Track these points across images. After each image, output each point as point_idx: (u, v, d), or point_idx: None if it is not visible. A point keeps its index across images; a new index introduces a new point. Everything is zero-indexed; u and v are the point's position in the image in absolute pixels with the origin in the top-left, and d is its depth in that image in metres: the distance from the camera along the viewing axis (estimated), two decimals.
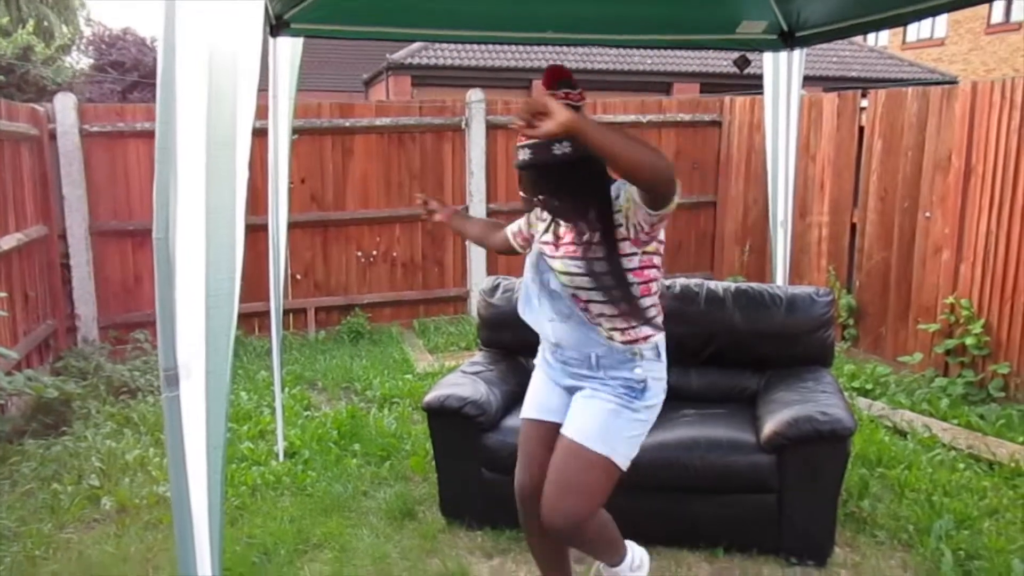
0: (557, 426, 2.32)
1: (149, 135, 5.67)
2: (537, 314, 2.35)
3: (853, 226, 5.83)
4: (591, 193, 2.16)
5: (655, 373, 2.27)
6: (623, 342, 2.22)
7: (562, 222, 2.26)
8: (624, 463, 2.21)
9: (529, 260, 2.38)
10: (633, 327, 2.22)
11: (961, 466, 3.74)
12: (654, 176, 1.89)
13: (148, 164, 5.79)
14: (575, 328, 2.24)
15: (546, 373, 2.44)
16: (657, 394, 2.28)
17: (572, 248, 2.20)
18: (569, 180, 2.15)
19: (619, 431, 2.22)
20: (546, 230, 2.33)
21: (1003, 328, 4.67)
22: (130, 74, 16.37)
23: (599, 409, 2.24)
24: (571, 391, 2.36)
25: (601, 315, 2.21)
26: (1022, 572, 2.82)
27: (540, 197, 2.23)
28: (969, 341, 4.76)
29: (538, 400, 2.44)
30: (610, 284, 2.15)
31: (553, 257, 2.26)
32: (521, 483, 2.40)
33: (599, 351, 2.23)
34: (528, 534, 2.49)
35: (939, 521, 3.14)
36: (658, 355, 2.28)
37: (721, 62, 15.32)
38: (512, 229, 2.67)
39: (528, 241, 2.54)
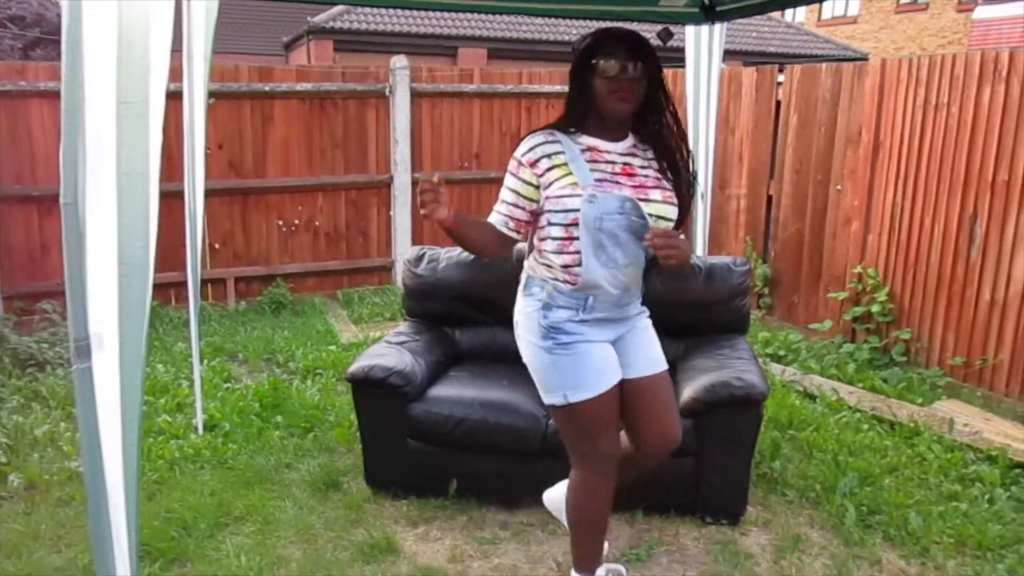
0: (619, 384, 2.32)
1: (54, 95, 5.39)
2: (612, 270, 2.21)
3: (769, 198, 6.01)
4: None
5: None
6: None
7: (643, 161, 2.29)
8: None
9: (595, 215, 2.14)
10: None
11: (865, 427, 3.95)
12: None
13: (53, 126, 5.49)
14: (639, 268, 2.30)
15: (596, 340, 2.29)
16: None
17: (668, 193, 2.26)
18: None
19: None
20: (586, 167, 2.18)
21: (906, 296, 4.92)
22: (31, 30, 15.45)
23: (651, 334, 2.45)
24: (615, 342, 2.35)
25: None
26: (918, 524, 3.01)
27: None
28: (875, 308, 5.00)
29: (605, 369, 2.29)
30: (682, 220, 2.32)
31: (647, 199, 2.19)
32: (608, 448, 2.35)
33: (640, 279, 2.37)
34: (600, 501, 2.43)
35: (844, 479, 3.31)
36: None
37: (645, 34, 15.43)
38: (499, 218, 2.30)
39: (524, 224, 2.30)
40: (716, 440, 3.01)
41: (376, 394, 3.17)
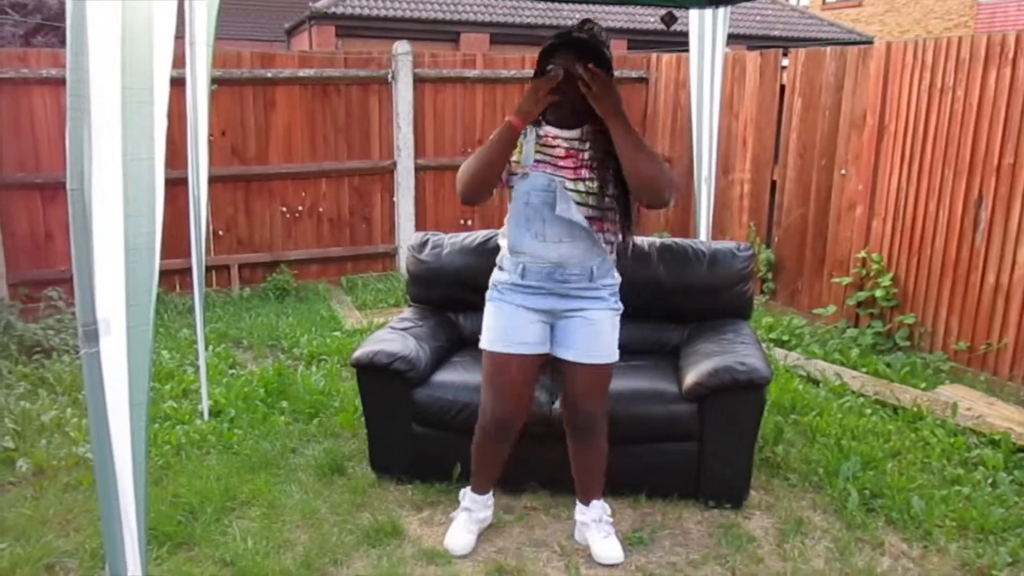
0: (536, 356, 2.62)
1: (56, 82, 5.40)
2: (541, 243, 2.50)
3: (773, 183, 6.00)
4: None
5: (619, 278, 2.68)
6: (610, 253, 2.59)
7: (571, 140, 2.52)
8: None
9: (526, 189, 2.49)
10: (617, 237, 2.57)
11: (868, 411, 3.96)
12: (649, 194, 2.43)
13: (56, 114, 5.49)
14: (582, 244, 2.51)
15: (519, 305, 2.59)
16: None
17: (596, 169, 2.48)
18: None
19: (616, 335, 2.65)
20: (533, 150, 2.49)
21: (910, 281, 4.91)
22: (32, 16, 15.40)
23: (603, 327, 2.60)
24: (552, 316, 2.61)
25: (609, 230, 2.54)
26: (920, 508, 3.02)
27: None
28: (878, 293, 4.99)
29: (511, 334, 2.60)
30: (626, 202, 2.53)
31: (577, 179, 2.48)
32: (500, 413, 2.67)
33: (597, 262, 2.55)
34: (489, 452, 2.78)
35: (847, 463, 3.32)
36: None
37: (648, 18, 15.38)
38: (501, 182, 2.60)
39: (503, 181, 2.55)
40: (719, 424, 3.03)
41: (381, 379, 3.18)
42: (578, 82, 2.37)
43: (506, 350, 2.61)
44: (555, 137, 2.54)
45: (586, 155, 2.52)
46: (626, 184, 2.47)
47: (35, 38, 15.03)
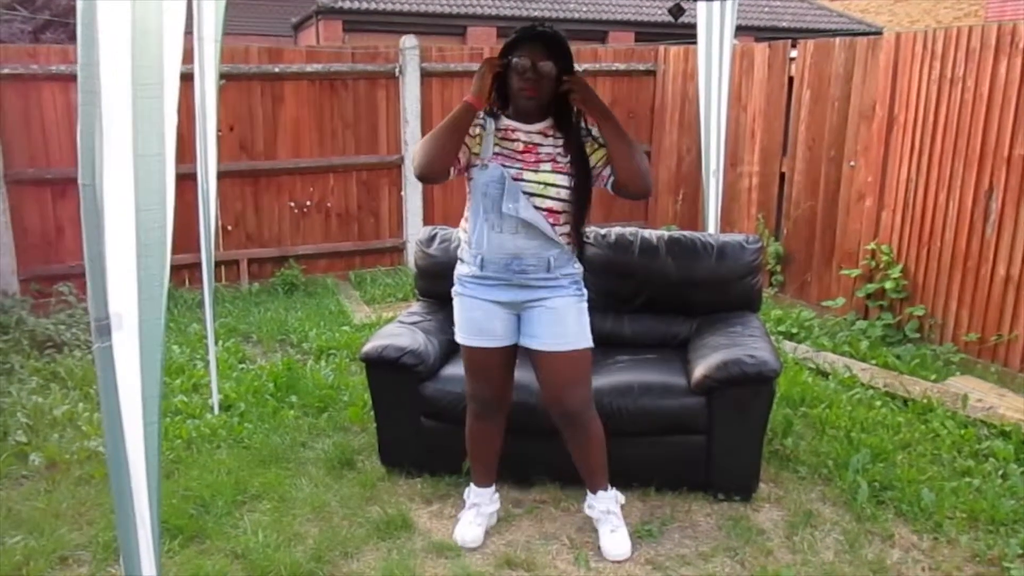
0: (507, 348, 2.69)
1: (65, 78, 5.42)
2: (498, 235, 2.54)
3: (782, 175, 5.97)
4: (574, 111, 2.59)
5: (581, 267, 2.70)
6: (567, 243, 2.60)
7: (533, 134, 2.57)
8: (591, 342, 2.68)
9: (484, 181, 2.53)
10: (572, 231, 2.60)
11: (878, 403, 3.95)
12: (632, 181, 2.54)
13: (65, 109, 5.52)
14: (537, 236, 2.53)
15: (483, 298, 2.64)
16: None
17: (560, 165, 2.54)
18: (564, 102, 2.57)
19: (585, 321, 2.66)
20: (492, 143, 2.55)
21: (920, 272, 4.89)
22: (41, 13, 15.45)
23: (566, 311, 2.62)
24: (515, 307, 2.64)
25: (566, 222, 2.57)
26: (930, 500, 3.01)
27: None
28: (888, 285, 4.97)
29: (480, 327, 2.67)
30: (583, 195, 2.58)
31: (537, 171, 2.52)
32: (483, 395, 2.78)
33: (554, 253, 2.57)
34: (478, 436, 2.86)
35: (856, 456, 3.31)
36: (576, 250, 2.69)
37: (656, 11, 15.33)
38: (456, 168, 2.62)
39: (462, 166, 2.56)
40: (728, 417, 3.02)
41: (390, 373, 3.19)
42: (566, 92, 2.50)
43: (475, 344, 2.69)
44: (515, 131, 2.58)
45: (547, 149, 2.56)
46: (586, 177, 2.57)
47: (44, 34, 15.09)
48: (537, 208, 2.51)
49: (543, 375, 2.70)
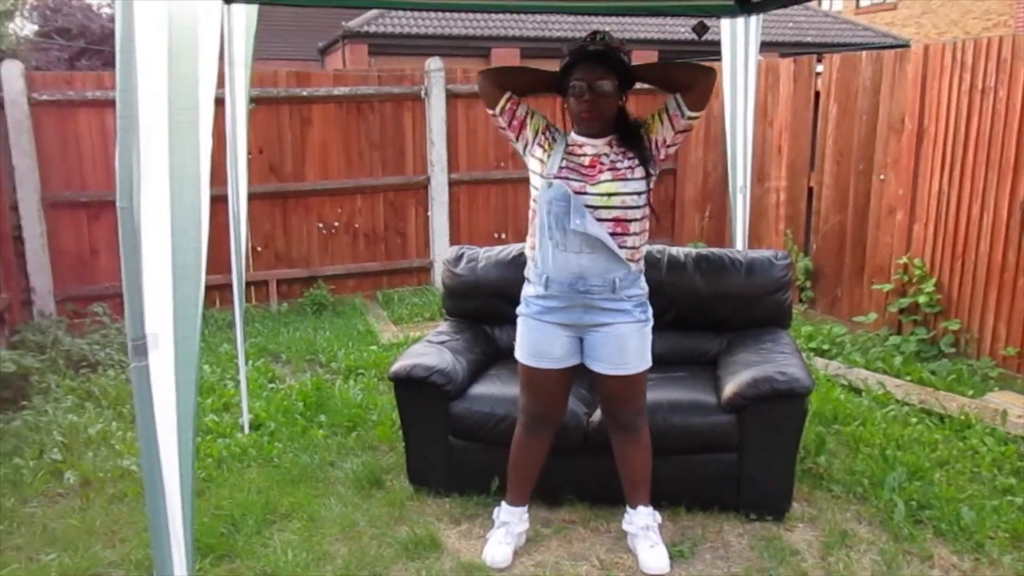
0: (565, 369, 2.70)
1: (100, 104, 5.55)
2: (563, 253, 2.54)
3: (810, 190, 5.93)
4: (632, 120, 2.65)
5: (647, 287, 2.70)
6: (636, 261, 2.61)
7: (598, 147, 2.59)
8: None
9: (548, 199, 2.52)
10: (640, 247, 2.61)
11: (913, 420, 3.88)
12: (693, 76, 2.54)
13: (100, 134, 5.64)
14: (602, 255, 2.53)
15: (547, 320, 2.65)
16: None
17: (620, 172, 2.54)
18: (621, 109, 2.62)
19: (646, 344, 2.69)
20: (562, 163, 2.56)
21: (954, 286, 4.81)
22: (76, 41, 15.83)
23: (629, 340, 2.63)
24: (578, 330, 2.65)
25: (633, 235, 2.57)
26: (970, 518, 2.94)
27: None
28: (921, 299, 4.90)
29: (541, 350, 2.68)
30: (646, 202, 2.59)
31: (598, 183, 2.52)
32: (536, 412, 2.80)
33: (620, 274, 2.57)
34: (523, 449, 2.85)
35: (892, 474, 3.25)
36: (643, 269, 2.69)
37: (679, 29, 15.33)
38: (511, 104, 2.64)
39: (513, 108, 2.62)
40: (759, 435, 2.99)
41: (418, 392, 3.20)
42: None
43: (536, 365, 2.71)
44: (582, 145, 2.60)
45: (612, 158, 2.57)
46: (648, 188, 2.58)
47: (79, 61, 15.45)
48: (602, 220, 2.51)
49: (601, 392, 2.79)
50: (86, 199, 5.67)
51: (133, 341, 1.47)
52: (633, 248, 2.59)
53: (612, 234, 2.52)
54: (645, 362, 2.69)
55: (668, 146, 2.61)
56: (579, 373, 2.76)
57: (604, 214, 2.52)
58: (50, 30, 16.12)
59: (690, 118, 2.57)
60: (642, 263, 2.66)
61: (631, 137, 2.61)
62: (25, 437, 3.77)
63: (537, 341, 2.68)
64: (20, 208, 5.46)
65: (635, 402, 2.76)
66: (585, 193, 2.51)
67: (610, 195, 2.52)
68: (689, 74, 2.56)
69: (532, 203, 2.63)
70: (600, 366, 2.67)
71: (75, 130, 5.62)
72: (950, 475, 3.33)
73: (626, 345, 2.64)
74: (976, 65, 4.57)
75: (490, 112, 2.66)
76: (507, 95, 2.61)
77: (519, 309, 2.74)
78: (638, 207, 2.57)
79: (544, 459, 2.87)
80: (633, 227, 2.57)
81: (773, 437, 2.99)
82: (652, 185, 2.61)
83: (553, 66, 2.68)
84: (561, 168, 2.55)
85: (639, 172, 2.57)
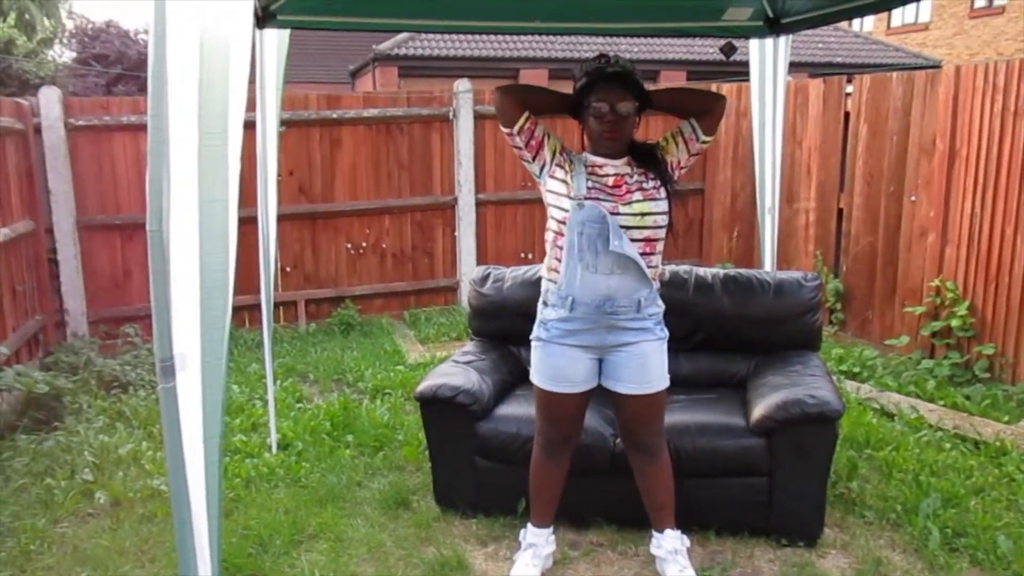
0: (585, 392, 2.69)
1: (135, 128, 5.66)
2: (592, 275, 2.52)
3: (840, 211, 5.87)
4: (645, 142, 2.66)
5: (663, 304, 2.68)
6: (656, 280, 2.61)
7: (621, 167, 2.59)
8: None
9: (580, 220, 2.50)
10: (659, 265, 2.63)
11: (947, 446, 3.80)
12: (709, 103, 2.61)
13: (135, 158, 5.76)
14: (631, 276, 2.53)
15: (567, 344, 2.63)
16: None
17: (648, 192, 2.55)
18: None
19: (665, 361, 2.67)
20: (585, 179, 2.55)
21: (988, 309, 4.73)
22: (114, 67, 16.22)
23: (651, 359, 2.63)
24: (600, 351, 2.64)
25: (658, 254, 2.60)
26: (1008, 547, 2.87)
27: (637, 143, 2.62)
28: (955, 323, 4.81)
29: (563, 374, 2.66)
30: (670, 221, 2.59)
31: (630, 203, 2.52)
32: (552, 435, 2.78)
33: (645, 293, 2.57)
34: (543, 472, 2.84)
35: (926, 500, 3.19)
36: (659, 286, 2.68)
37: (707, 49, 15.34)
38: (530, 124, 2.61)
39: (530, 128, 2.60)
40: (790, 459, 2.94)
41: (444, 413, 3.20)
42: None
43: (557, 390, 2.68)
44: (603, 166, 2.59)
45: (636, 178, 2.58)
46: (671, 195, 2.59)
47: (116, 87, 15.83)
48: (634, 240, 2.51)
49: (621, 413, 2.75)
50: (120, 222, 5.78)
51: (161, 362, 1.49)
52: (656, 267, 2.62)
53: (641, 254, 2.53)
54: (665, 380, 2.68)
55: (681, 167, 2.65)
56: (600, 395, 2.74)
57: (636, 234, 2.52)
58: (88, 56, 16.55)
59: (704, 142, 2.62)
60: (658, 281, 2.66)
61: (650, 158, 2.62)
62: (57, 457, 3.82)
63: (558, 366, 2.65)
64: (55, 231, 5.58)
65: (655, 422, 2.74)
66: (619, 213, 2.50)
67: (643, 215, 2.52)
68: (705, 101, 2.62)
69: (552, 225, 2.61)
70: (623, 386, 2.65)
71: (110, 154, 5.75)
72: (986, 503, 3.25)
73: (648, 363, 2.63)
74: (1009, 86, 4.52)
75: (506, 131, 2.62)
76: (526, 114, 2.59)
77: (535, 334, 2.70)
78: (664, 227, 2.58)
79: (565, 479, 2.85)
80: (659, 246, 2.59)
81: (804, 461, 2.94)
82: (673, 204, 2.62)
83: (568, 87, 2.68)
84: (589, 188, 2.52)
85: (663, 192, 2.58)
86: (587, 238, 2.50)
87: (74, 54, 17.26)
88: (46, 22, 19.32)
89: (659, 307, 2.65)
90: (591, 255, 2.51)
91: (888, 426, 4.05)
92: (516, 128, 2.59)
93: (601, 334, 2.60)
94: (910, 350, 5.16)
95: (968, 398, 4.42)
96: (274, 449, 3.92)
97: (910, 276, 5.27)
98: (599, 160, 2.60)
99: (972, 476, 3.47)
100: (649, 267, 2.56)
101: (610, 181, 2.57)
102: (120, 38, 17.07)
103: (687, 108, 2.65)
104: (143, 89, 1.48)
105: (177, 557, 1.65)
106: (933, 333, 4.99)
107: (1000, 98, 4.57)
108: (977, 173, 4.75)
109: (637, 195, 2.54)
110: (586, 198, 2.50)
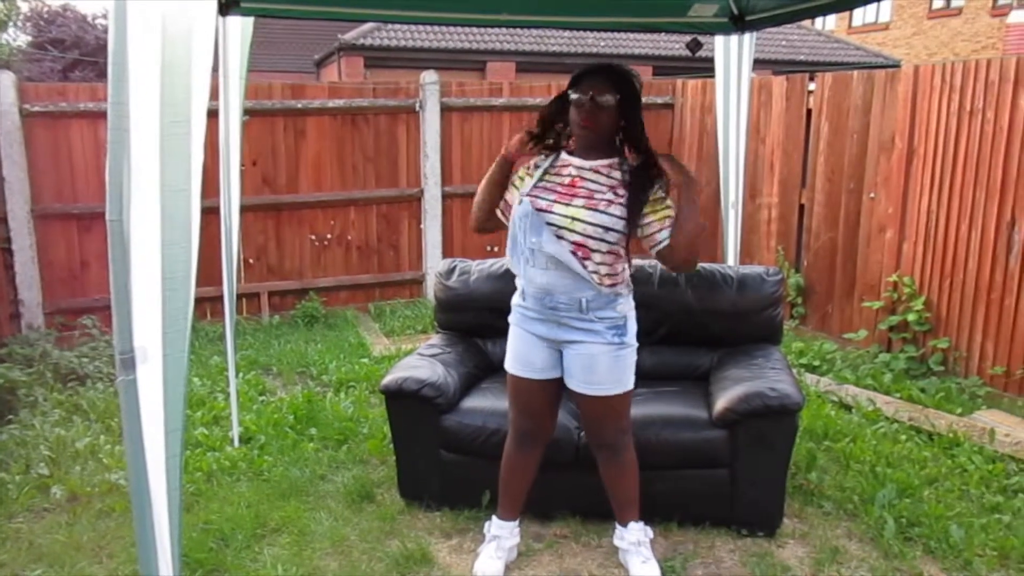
0: (547, 381, 2.69)
1: (93, 115, 5.54)
2: (531, 268, 2.56)
3: (801, 207, 5.96)
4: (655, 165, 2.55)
5: (631, 309, 2.64)
6: (609, 286, 2.53)
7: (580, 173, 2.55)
8: (632, 383, 2.66)
9: (518, 215, 2.55)
10: (610, 275, 2.53)
11: (903, 438, 3.88)
12: (686, 263, 2.60)
13: (92, 146, 5.63)
14: (567, 275, 2.51)
15: (526, 330, 2.67)
16: (633, 328, 2.65)
17: (594, 202, 2.49)
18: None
19: (622, 367, 2.62)
20: (538, 182, 2.57)
21: (943, 304, 4.84)
22: (70, 52, 15.84)
23: (598, 361, 2.59)
24: (556, 344, 2.64)
25: (598, 264, 2.50)
26: (959, 536, 2.95)
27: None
28: (911, 317, 4.92)
29: (523, 358, 2.70)
30: (617, 243, 2.49)
31: (568, 205, 2.49)
32: (522, 426, 2.80)
33: (588, 295, 2.53)
34: (513, 464, 2.85)
35: (882, 491, 3.26)
36: (631, 290, 2.65)
37: (673, 45, 15.45)
38: (503, 207, 2.71)
39: (511, 203, 2.65)
40: (750, 451, 2.99)
41: (409, 406, 3.19)
42: (661, 166, 2.51)
43: (518, 373, 2.72)
44: (567, 165, 2.58)
45: (592, 185, 2.52)
46: (626, 223, 2.48)
47: (73, 73, 15.46)
48: (563, 240, 2.47)
49: (579, 409, 2.78)
50: (77, 211, 5.65)
51: (121, 355, 1.47)
52: (598, 274, 2.50)
53: (576, 256, 2.48)
54: (621, 386, 2.62)
55: (637, 228, 2.53)
56: (568, 389, 2.74)
57: (567, 235, 2.48)
58: (44, 41, 16.14)
59: (655, 247, 2.54)
60: (621, 288, 2.57)
61: (644, 182, 2.51)
62: (11, 451, 3.73)
63: (520, 350, 2.70)
64: (9, 220, 5.44)
65: (612, 424, 2.71)
66: (551, 212, 2.49)
67: (574, 219, 2.47)
68: (687, 246, 2.49)
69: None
70: (572, 383, 2.66)
71: (67, 142, 5.61)
72: (939, 493, 3.34)
73: (595, 366, 2.59)
74: (965, 86, 4.62)
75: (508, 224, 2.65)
76: (497, 210, 2.69)
77: (510, 317, 2.76)
78: (603, 240, 2.46)
79: (534, 474, 2.86)
80: (597, 256, 2.49)
81: (764, 453, 2.99)
82: (629, 235, 2.52)
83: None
84: (536, 187, 2.57)
85: (616, 211, 2.47)
86: (522, 232, 2.55)
87: (29, 38, 16.82)
88: (0, 5, 18.79)
89: (616, 312, 2.57)
90: (527, 249, 2.56)
91: (846, 418, 4.13)
92: (507, 220, 2.66)
93: (552, 327, 2.61)
94: (868, 344, 5.26)
95: (923, 391, 4.53)
96: (236, 442, 3.88)
97: (869, 271, 5.37)
98: (568, 159, 2.59)
99: (926, 467, 3.56)
100: (591, 272, 2.48)
101: (565, 180, 2.55)
102: (77, 22, 16.67)
103: (679, 229, 2.48)
104: (101, 75, 1.46)
105: (136, 552, 1.63)
106: (890, 327, 5.10)
107: (956, 97, 4.68)
108: (934, 171, 4.85)
109: (580, 200, 2.49)
110: (527, 195, 2.55)
